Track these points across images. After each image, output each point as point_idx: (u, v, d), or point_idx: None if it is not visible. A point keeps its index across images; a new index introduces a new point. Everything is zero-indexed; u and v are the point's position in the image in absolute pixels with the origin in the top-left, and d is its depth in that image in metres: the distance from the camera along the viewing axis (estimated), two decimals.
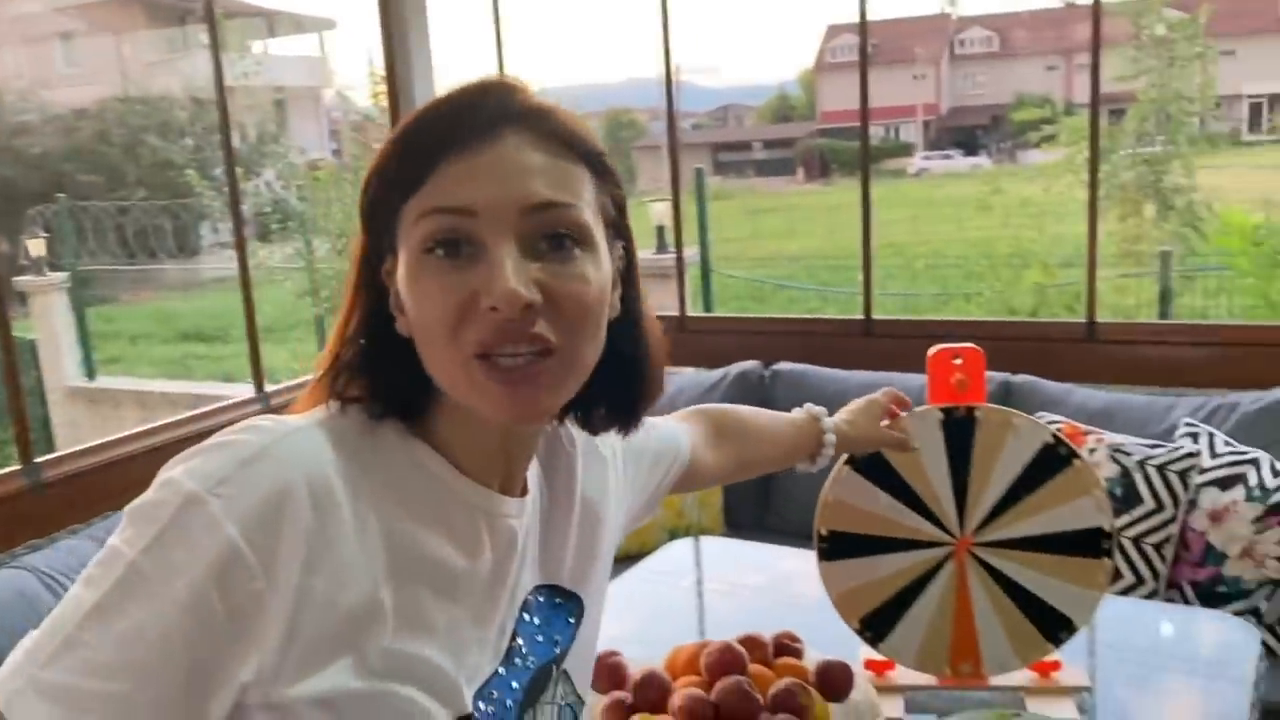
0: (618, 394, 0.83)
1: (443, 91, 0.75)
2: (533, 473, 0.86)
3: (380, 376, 0.76)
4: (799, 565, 1.90)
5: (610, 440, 0.96)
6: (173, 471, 0.68)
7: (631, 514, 1.03)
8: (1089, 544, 1.37)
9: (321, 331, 8.07)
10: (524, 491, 0.83)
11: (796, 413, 1.29)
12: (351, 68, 35.14)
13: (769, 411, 1.30)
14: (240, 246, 2.47)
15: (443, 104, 0.74)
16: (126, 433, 2.19)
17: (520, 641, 0.84)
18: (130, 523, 0.67)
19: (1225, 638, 1.57)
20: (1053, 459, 1.36)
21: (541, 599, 0.87)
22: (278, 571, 0.66)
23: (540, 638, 0.86)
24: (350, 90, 13.28)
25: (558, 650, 0.87)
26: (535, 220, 0.71)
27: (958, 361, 1.39)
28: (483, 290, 0.69)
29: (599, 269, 0.74)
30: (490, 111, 0.72)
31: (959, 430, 1.36)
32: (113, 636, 0.64)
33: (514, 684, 0.82)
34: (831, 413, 1.31)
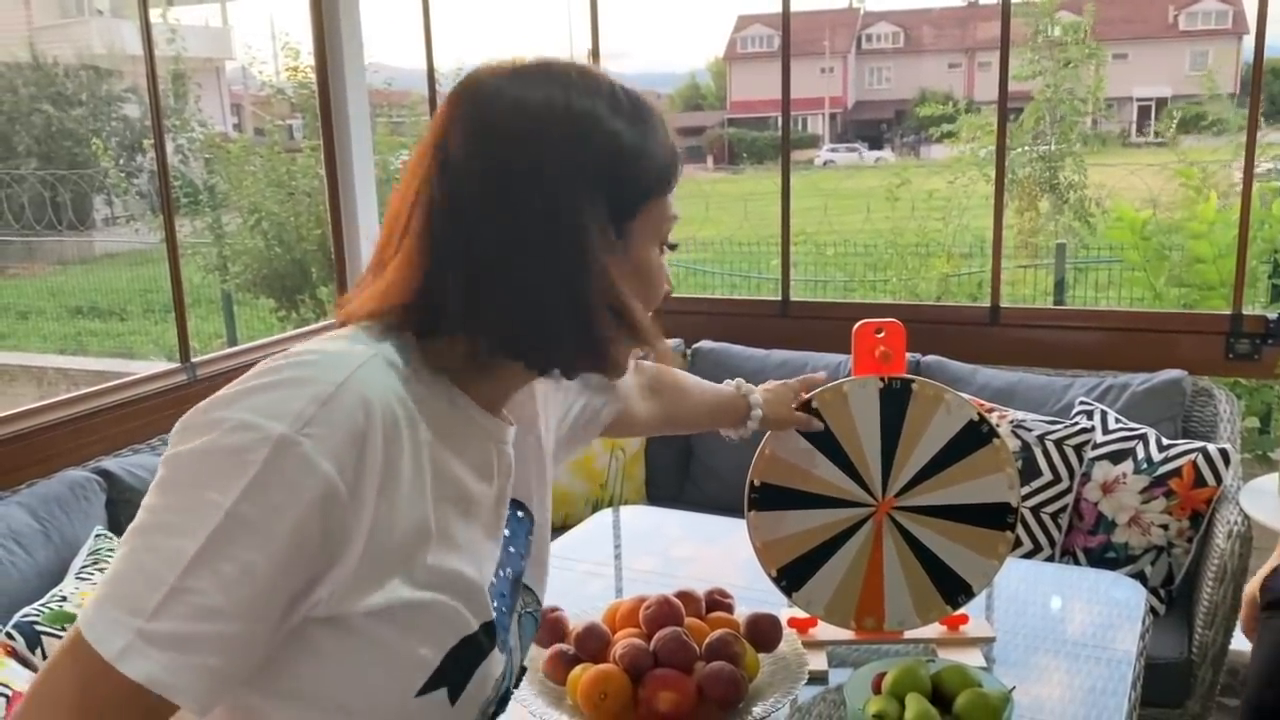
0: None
1: (655, 104, 0.87)
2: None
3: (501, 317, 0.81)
4: (719, 531, 1.99)
5: None
6: (236, 413, 0.70)
7: (561, 441, 1.11)
8: (996, 517, 1.48)
9: (230, 309, 7.89)
10: (510, 423, 0.91)
11: (726, 385, 1.41)
12: (255, 40, 34.19)
13: (698, 378, 1.43)
14: (169, 218, 2.44)
15: (665, 121, 0.86)
16: (50, 400, 2.16)
17: (510, 551, 0.93)
18: (205, 468, 0.69)
19: (1116, 595, 1.70)
20: (975, 436, 1.46)
21: (520, 514, 0.96)
22: (362, 502, 0.72)
23: (512, 549, 0.94)
24: (256, 64, 12.97)
25: (523, 562, 0.96)
26: None
27: (880, 334, 1.49)
28: (667, 279, 0.90)
29: None
30: None
31: (894, 399, 1.46)
32: (222, 580, 0.67)
33: (504, 592, 0.90)
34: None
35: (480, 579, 0.84)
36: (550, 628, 1.37)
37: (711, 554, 1.91)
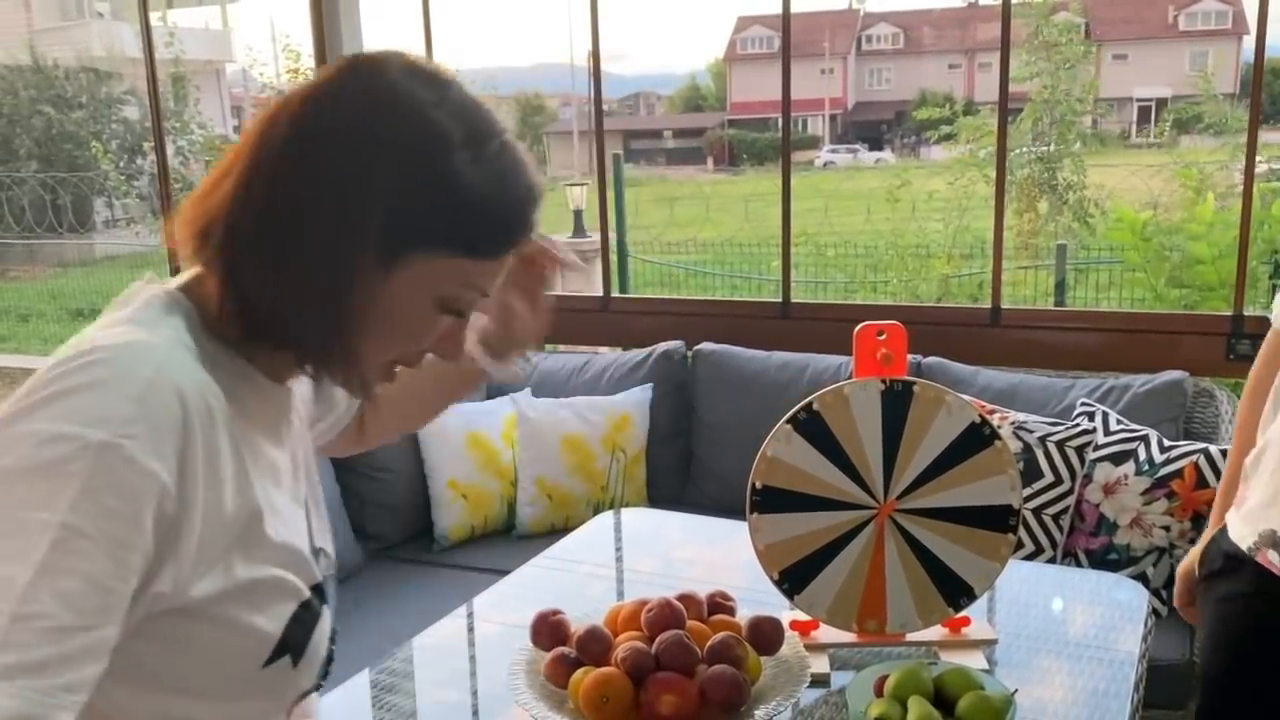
0: None
1: (532, 179, 0.82)
2: None
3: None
4: (721, 533, 1.99)
5: None
6: (45, 425, 0.67)
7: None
8: (998, 519, 1.48)
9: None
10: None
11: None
12: (256, 42, 34.28)
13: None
14: (169, 220, 2.44)
15: (532, 200, 0.82)
16: None
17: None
18: (22, 488, 0.66)
19: (1118, 597, 1.70)
20: (977, 438, 1.46)
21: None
22: (191, 494, 0.72)
23: None
24: (256, 66, 12.98)
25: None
26: None
27: (882, 337, 1.48)
28: (452, 341, 0.86)
29: None
30: None
31: (896, 401, 1.45)
32: (65, 598, 0.65)
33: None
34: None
35: (303, 545, 0.86)
36: (551, 631, 1.37)
37: (713, 556, 1.90)
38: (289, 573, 0.82)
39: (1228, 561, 1.48)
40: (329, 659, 0.93)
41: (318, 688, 0.93)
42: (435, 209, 0.77)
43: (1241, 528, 1.45)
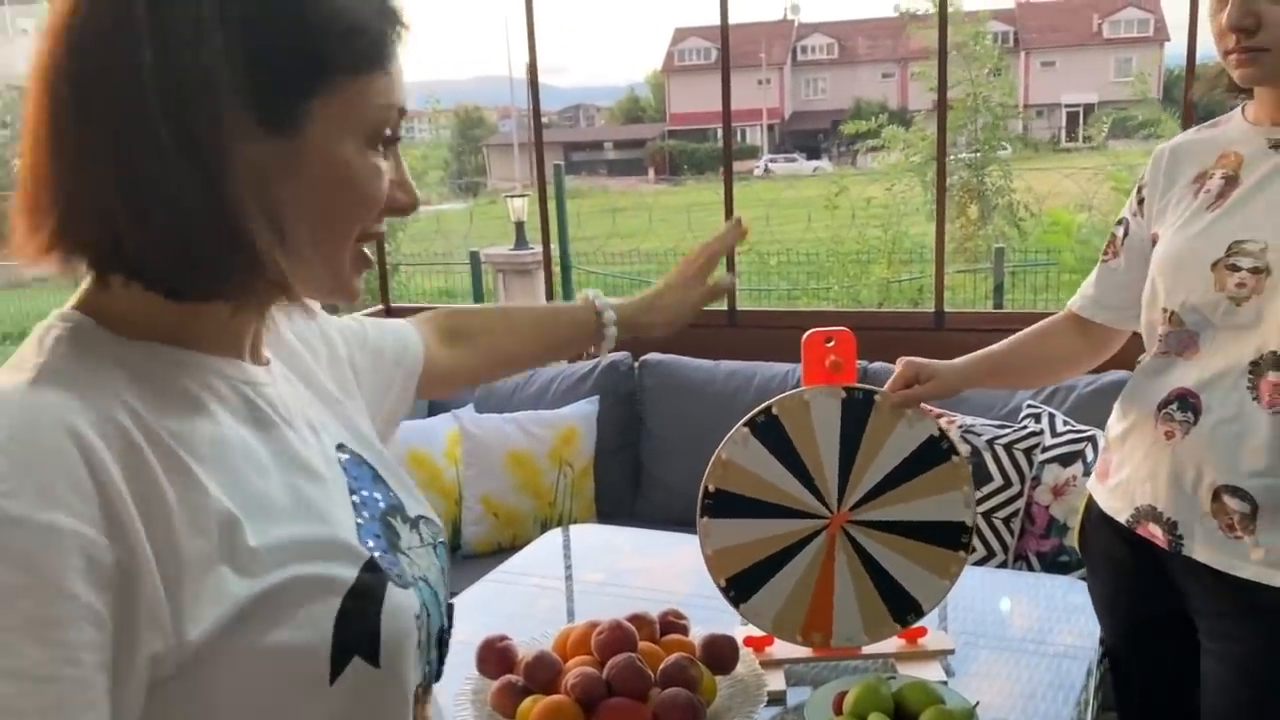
0: None
1: None
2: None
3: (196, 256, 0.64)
4: (664, 545, 1.97)
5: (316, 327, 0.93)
6: None
7: (380, 405, 0.98)
8: (950, 536, 1.46)
9: None
10: (266, 362, 0.78)
11: (575, 303, 1.24)
12: None
13: (528, 306, 1.27)
14: None
15: None
16: None
17: (358, 497, 0.80)
18: None
19: (1071, 600, 1.69)
20: (934, 452, 1.44)
21: (346, 457, 0.82)
22: (129, 532, 0.59)
23: (365, 492, 0.81)
24: None
25: (383, 504, 0.82)
26: None
27: (830, 344, 1.46)
28: (401, 187, 0.72)
29: None
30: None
31: (856, 411, 1.43)
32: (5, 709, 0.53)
33: (376, 533, 0.78)
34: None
35: (323, 529, 0.71)
36: (498, 657, 1.32)
37: (657, 566, 1.87)
38: (311, 566, 0.67)
39: (1102, 524, 1.48)
40: (441, 639, 0.79)
41: (438, 675, 0.79)
42: (308, 39, 0.65)
43: (1112, 500, 1.44)
